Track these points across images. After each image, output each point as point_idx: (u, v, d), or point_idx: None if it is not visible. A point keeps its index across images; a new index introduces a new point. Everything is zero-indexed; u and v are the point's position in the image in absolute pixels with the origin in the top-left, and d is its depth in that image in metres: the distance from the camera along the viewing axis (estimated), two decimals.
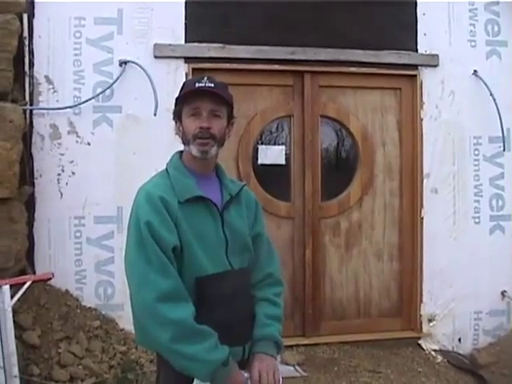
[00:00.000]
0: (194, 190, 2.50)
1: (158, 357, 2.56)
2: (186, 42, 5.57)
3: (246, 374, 2.47)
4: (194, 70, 5.56)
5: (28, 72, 5.24)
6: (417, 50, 6.02)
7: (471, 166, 6.12)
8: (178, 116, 2.58)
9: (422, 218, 6.04)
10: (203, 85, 2.49)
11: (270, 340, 2.61)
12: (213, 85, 2.50)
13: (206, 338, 2.36)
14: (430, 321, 6.02)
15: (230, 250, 2.55)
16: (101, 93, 5.34)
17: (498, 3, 6.19)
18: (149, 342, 2.48)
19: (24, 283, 4.45)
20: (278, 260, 2.87)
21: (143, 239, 2.37)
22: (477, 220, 6.13)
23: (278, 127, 6.08)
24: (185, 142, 2.56)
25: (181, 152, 2.64)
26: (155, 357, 2.69)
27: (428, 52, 6.03)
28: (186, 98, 2.52)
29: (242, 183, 2.78)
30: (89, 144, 5.36)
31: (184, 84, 2.64)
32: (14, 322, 4.32)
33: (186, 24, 5.56)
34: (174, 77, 5.46)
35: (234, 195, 2.63)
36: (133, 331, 2.54)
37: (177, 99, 2.58)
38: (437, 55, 6.03)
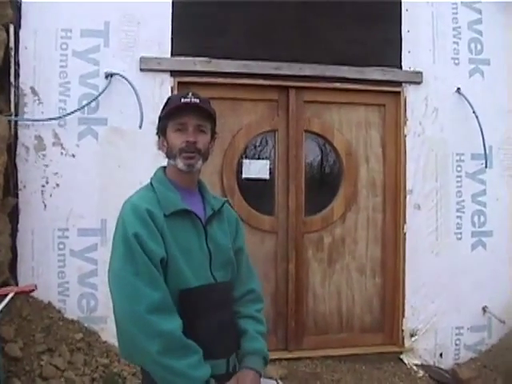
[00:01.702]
0: (179, 203, 2.52)
1: (143, 372, 2.54)
2: (172, 55, 5.58)
3: None
4: (179, 83, 5.58)
5: (13, 83, 5.23)
6: (401, 67, 6.07)
7: (454, 183, 6.17)
8: (162, 131, 2.61)
9: (405, 234, 6.07)
10: (189, 100, 2.52)
11: (260, 355, 2.64)
12: (198, 100, 2.54)
13: (192, 354, 2.36)
14: (411, 336, 6.04)
15: (214, 264, 2.57)
16: (86, 105, 5.33)
17: (480, 22, 6.27)
18: (135, 356, 2.45)
19: (6, 295, 4.43)
20: (257, 275, 2.89)
21: (132, 251, 2.37)
22: (459, 236, 6.18)
23: (262, 142, 6.10)
24: (169, 157, 2.58)
25: (164, 167, 2.67)
26: (138, 370, 2.68)
27: (412, 69, 6.08)
28: (172, 114, 2.55)
29: (224, 199, 2.81)
30: (73, 156, 5.35)
31: (168, 100, 2.66)
32: None
33: (172, 38, 5.58)
34: (160, 90, 5.47)
35: (216, 210, 2.66)
36: (115, 344, 2.54)
37: (161, 114, 2.61)
38: (421, 72, 6.09)
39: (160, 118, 2.62)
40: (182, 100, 2.53)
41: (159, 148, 2.66)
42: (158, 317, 2.31)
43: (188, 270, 2.47)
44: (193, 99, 2.53)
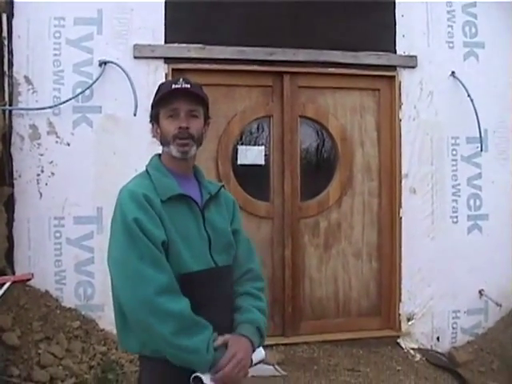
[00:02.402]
0: (176, 188, 2.51)
1: (141, 359, 2.54)
2: (165, 42, 5.56)
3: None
4: (173, 70, 5.56)
5: (7, 72, 5.22)
6: (395, 52, 6.05)
7: (449, 166, 6.17)
8: (155, 118, 2.60)
9: (401, 218, 6.08)
10: (180, 86, 2.51)
11: (253, 324, 2.57)
12: (189, 85, 2.53)
13: (204, 329, 2.35)
14: (408, 320, 6.07)
15: (214, 248, 2.55)
16: (80, 93, 5.33)
17: (475, 5, 6.24)
18: (147, 341, 2.40)
19: (3, 284, 4.44)
20: (257, 257, 2.88)
21: (133, 236, 2.35)
22: (455, 220, 6.19)
23: (257, 128, 6.10)
24: (164, 144, 2.57)
25: (159, 155, 2.66)
26: (136, 357, 2.67)
27: (406, 53, 6.07)
28: (164, 100, 2.54)
29: (220, 183, 2.80)
30: (68, 144, 5.34)
31: (160, 86, 2.64)
32: None
33: (165, 24, 5.56)
34: (154, 77, 5.44)
35: (213, 194, 2.65)
36: (113, 331, 2.54)
37: (153, 102, 2.60)
38: (415, 56, 6.07)
39: (152, 106, 2.62)
40: (173, 86, 2.52)
41: (153, 136, 2.66)
42: (166, 298, 2.30)
43: (188, 254, 2.45)
44: (183, 84, 2.52)
